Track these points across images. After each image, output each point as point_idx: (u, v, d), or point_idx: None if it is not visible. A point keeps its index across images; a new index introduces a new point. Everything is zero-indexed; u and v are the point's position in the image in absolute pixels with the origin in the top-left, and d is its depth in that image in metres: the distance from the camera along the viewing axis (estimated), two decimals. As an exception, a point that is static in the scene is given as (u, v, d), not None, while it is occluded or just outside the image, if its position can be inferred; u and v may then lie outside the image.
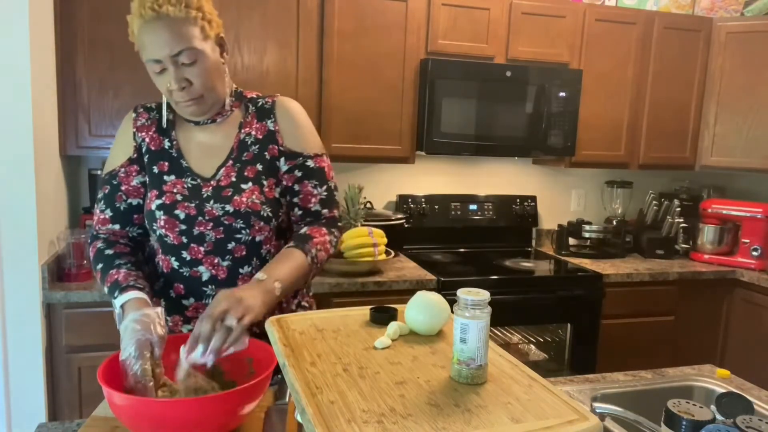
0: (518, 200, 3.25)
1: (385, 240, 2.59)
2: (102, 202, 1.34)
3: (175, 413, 0.96)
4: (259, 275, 1.19)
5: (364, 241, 2.47)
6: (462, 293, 0.84)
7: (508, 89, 2.76)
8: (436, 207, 3.09)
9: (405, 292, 2.44)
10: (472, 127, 2.73)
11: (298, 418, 0.88)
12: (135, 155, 1.34)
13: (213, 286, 1.31)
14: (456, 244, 3.16)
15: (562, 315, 2.74)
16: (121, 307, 1.17)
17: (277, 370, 1.16)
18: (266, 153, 1.34)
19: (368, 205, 2.96)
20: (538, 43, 2.86)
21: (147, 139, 1.34)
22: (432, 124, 2.68)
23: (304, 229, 1.34)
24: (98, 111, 2.35)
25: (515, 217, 3.24)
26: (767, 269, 2.99)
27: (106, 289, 1.24)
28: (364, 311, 1.10)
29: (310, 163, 1.36)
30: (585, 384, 1.47)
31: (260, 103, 1.38)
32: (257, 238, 1.31)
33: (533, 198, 3.28)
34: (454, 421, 0.72)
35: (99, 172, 2.49)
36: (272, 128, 1.35)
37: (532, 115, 2.82)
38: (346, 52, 2.60)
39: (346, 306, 1.15)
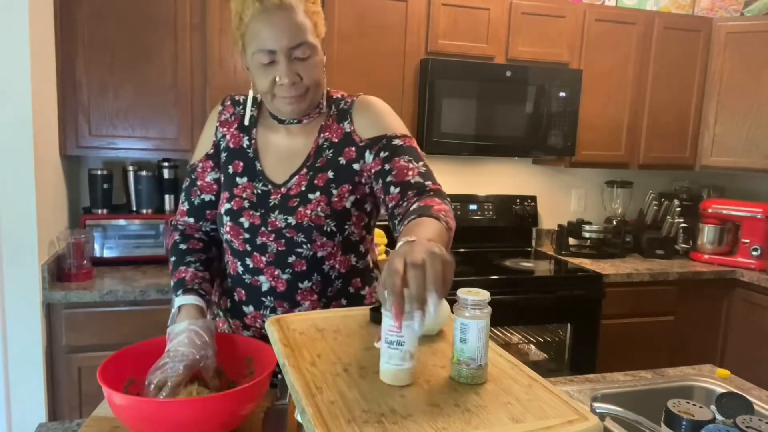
0: (518, 200, 3.25)
1: (385, 240, 2.59)
2: (183, 193, 1.35)
3: (175, 413, 0.96)
4: (407, 237, 0.89)
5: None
6: (462, 293, 0.84)
7: (508, 89, 2.76)
8: (436, 207, 3.09)
9: (405, 292, 2.43)
10: (472, 127, 2.73)
11: (298, 418, 0.88)
12: (212, 151, 1.32)
13: (271, 298, 1.26)
14: (456, 244, 3.16)
15: (562, 315, 2.74)
16: (178, 308, 1.17)
17: (278, 370, 1.16)
18: (341, 157, 1.25)
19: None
20: (538, 43, 2.86)
21: (228, 136, 1.31)
22: (432, 124, 2.68)
23: (415, 205, 1.11)
24: (98, 111, 2.35)
25: (515, 217, 3.24)
26: (767, 269, 2.99)
27: (172, 282, 1.24)
28: (364, 311, 1.10)
29: (398, 141, 1.23)
30: (585, 384, 1.47)
31: (341, 105, 1.31)
32: (319, 254, 1.23)
33: (533, 198, 3.28)
34: (454, 421, 0.72)
35: (99, 172, 2.49)
36: (348, 129, 1.27)
37: (532, 115, 2.82)
38: (346, 53, 2.60)
39: (346, 306, 1.15)
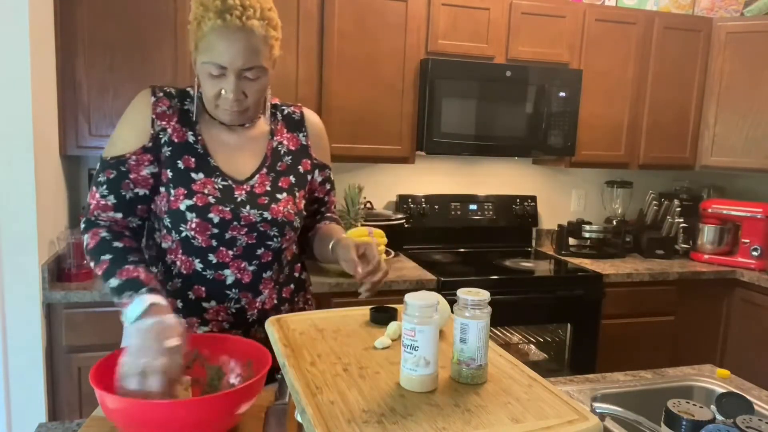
0: (518, 200, 3.25)
1: (385, 240, 2.59)
2: (104, 186, 1.25)
3: (168, 415, 0.95)
4: (342, 236, 1.36)
5: (364, 241, 2.46)
6: (462, 293, 0.84)
7: (508, 89, 2.76)
8: (436, 207, 3.09)
9: (405, 292, 2.42)
10: (472, 127, 2.73)
11: (298, 418, 0.88)
12: (150, 144, 1.26)
13: (236, 290, 1.29)
14: (456, 244, 3.16)
15: (562, 315, 2.74)
16: (150, 305, 1.10)
17: (278, 370, 1.16)
18: (299, 166, 1.37)
19: (368, 205, 2.96)
20: (538, 43, 2.86)
21: (170, 130, 1.27)
22: (432, 124, 2.68)
23: (329, 215, 1.51)
24: (98, 111, 2.35)
25: (515, 217, 3.24)
26: (767, 269, 2.99)
27: (116, 282, 1.15)
28: (364, 311, 1.10)
29: (331, 175, 1.48)
30: (585, 384, 1.47)
31: (286, 112, 1.40)
32: (284, 246, 1.33)
33: (533, 198, 3.28)
34: (454, 421, 0.72)
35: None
36: (305, 143, 1.40)
37: (532, 115, 2.82)
38: (346, 52, 2.60)
39: (346, 306, 1.15)
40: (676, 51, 3.09)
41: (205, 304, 1.30)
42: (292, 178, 1.35)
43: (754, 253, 3.00)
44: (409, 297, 0.83)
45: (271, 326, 1.01)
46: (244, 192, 1.28)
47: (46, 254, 2.17)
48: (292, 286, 1.40)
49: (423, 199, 3.07)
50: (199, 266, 1.28)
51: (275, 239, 1.30)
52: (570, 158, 3.00)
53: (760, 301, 2.90)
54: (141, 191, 1.27)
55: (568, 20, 2.89)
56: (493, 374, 0.87)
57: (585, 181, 3.46)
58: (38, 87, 2.07)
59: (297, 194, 1.35)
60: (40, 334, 2.09)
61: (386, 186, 3.11)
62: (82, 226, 1.28)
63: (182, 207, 1.24)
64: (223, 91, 1.21)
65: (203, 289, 1.29)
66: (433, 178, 3.19)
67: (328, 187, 1.48)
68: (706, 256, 3.13)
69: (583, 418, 0.74)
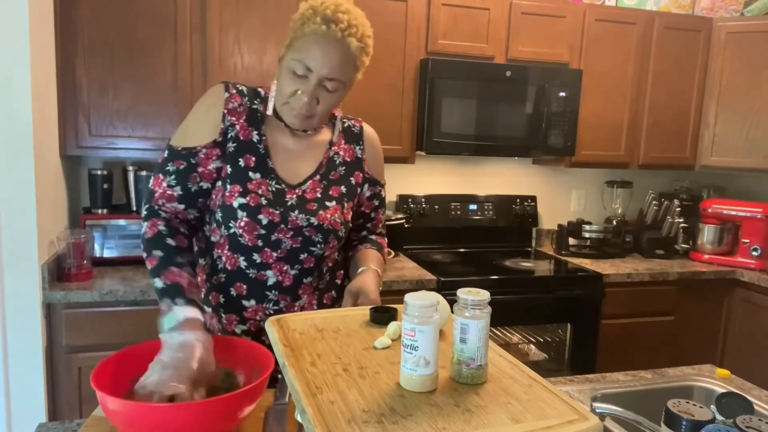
0: (518, 200, 3.25)
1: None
2: (173, 176, 1.26)
3: (168, 418, 0.95)
4: (364, 267, 1.37)
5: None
6: (462, 293, 0.84)
7: (508, 89, 2.76)
8: (436, 207, 3.09)
9: (405, 292, 2.43)
10: (472, 127, 2.73)
11: (298, 418, 0.88)
12: (221, 139, 1.28)
13: (276, 292, 1.32)
14: (456, 244, 3.16)
15: (562, 315, 2.74)
16: (184, 319, 1.13)
17: (278, 370, 1.15)
18: (352, 178, 1.40)
19: (368, 205, 2.96)
20: (538, 43, 2.86)
21: (237, 127, 1.30)
22: (432, 124, 2.68)
23: (373, 237, 1.51)
24: (98, 111, 2.35)
25: (515, 217, 3.24)
26: (767, 269, 2.99)
27: (160, 283, 1.18)
28: (364, 311, 1.10)
29: (383, 192, 1.51)
30: (585, 384, 1.47)
31: (347, 124, 1.44)
32: (326, 253, 1.36)
33: (533, 198, 3.28)
34: (454, 421, 0.72)
35: (99, 172, 2.49)
36: (360, 155, 1.43)
37: (532, 115, 2.82)
38: (346, 52, 2.60)
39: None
40: (676, 51, 3.09)
41: (245, 302, 1.32)
42: (343, 188, 1.37)
43: (754, 253, 3.00)
44: (409, 297, 0.83)
45: (271, 326, 1.01)
46: (295, 196, 1.31)
47: (46, 254, 2.17)
48: (333, 293, 1.43)
49: (423, 199, 3.07)
50: (243, 264, 1.30)
51: (319, 245, 1.32)
52: (570, 158, 3.00)
53: (760, 301, 2.90)
54: (205, 185, 1.29)
55: (568, 20, 2.89)
56: (493, 374, 0.87)
57: (585, 181, 3.46)
58: (38, 87, 2.07)
59: (346, 205, 1.37)
60: (40, 334, 2.09)
61: (386, 186, 3.11)
62: (144, 212, 1.29)
63: (235, 204, 1.26)
64: (299, 92, 1.23)
65: (245, 287, 1.31)
66: (433, 178, 3.19)
67: (376, 203, 1.49)
68: (706, 256, 3.13)
69: (583, 418, 0.74)
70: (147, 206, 1.29)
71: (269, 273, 1.30)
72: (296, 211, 1.29)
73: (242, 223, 1.26)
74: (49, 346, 2.16)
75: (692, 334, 3.00)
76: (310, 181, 1.33)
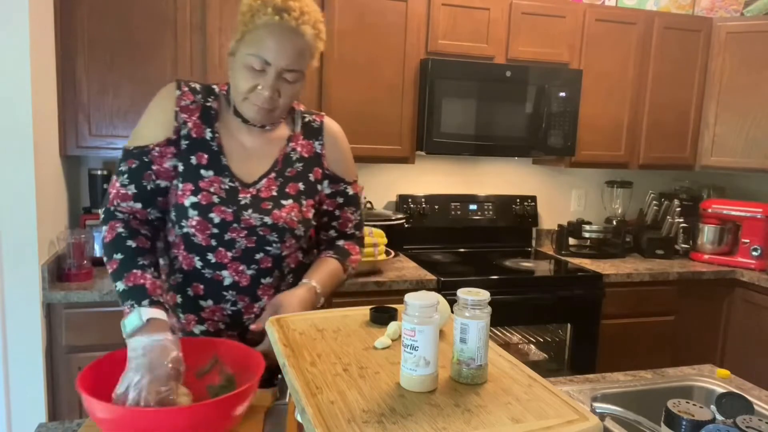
0: (518, 200, 3.25)
1: (385, 240, 2.59)
2: (126, 176, 1.25)
3: (153, 423, 0.94)
4: (304, 279, 1.31)
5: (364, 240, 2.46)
6: (462, 293, 0.84)
7: (508, 89, 2.76)
8: (436, 207, 3.09)
9: (405, 292, 2.43)
10: (472, 127, 2.73)
11: (298, 418, 0.88)
12: (175, 136, 1.27)
13: (234, 292, 1.29)
14: (456, 244, 3.16)
15: (562, 315, 2.74)
16: (147, 320, 1.11)
17: (278, 370, 1.15)
18: (310, 174, 1.35)
19: (368, 205, 2.96)
20: (538, 43, 2.86)
21: (190, 124, 1.28)
22: (432, 124, 2.68)
23: (341, 242, 1.44)
24: (98, 111, 2.34)
25: (515, 217, 3.24)
26: (767, 269, 2.99)
27: (121, 286, 1.17)
28: (364, 311, 1.10)
29: (350, 190, 1.42)
30: (585, 384, 1.47)
31: (307, 119, 1.39)
32: (284, 253, 1.32)
33: (533, 198, 3.28)
34: (454, 421, 0.72)
35: (99, 172, 2.49)
36: (319, 151, 1.38)
37: (532, 115, 2.82)
38: (346, 52, 2.60)
39: (346, 306, 1.15)
40: (676, 51, 3.09)
41: (202, 303, 1.30)
42: (300, 185, 1.33)
43: (754, 253, 3.00)
44: (409, 297, 0.83)
45: (271, 326, 1.01)
46: (249, 195, 1.28)
47: (46, 254, 2.17)
48: None
49: (423, 199, 3.07)
50: (198, 264, 1.28)
51: (275, 245, 1.29)
52: (570, 158, 3.00)
53: (760, 301, 2.90)
54: (163, 183, 1.27)
55: (568, 20, 2.89)
56: (493, 374, 0.87)
57: (585, 181, 3.46)
58: (38, 87, 2.07)
59: (304, 202, 1.33)
60: (40, 334, 2.09)
61: (386, 186, 3.12)
62: (101, 216, 1.28)
63: (186, 203, 1.24)
64: (259, 87, 1.21)
65: (201, 287, 1.30)
66: (433, 178, 3.19)
67: (340, 201, 1.41)
68: (706, 256, 3.13)
69: (583, 418, 0.74)
70: (103, 209, 1.28)
71: (225, 273, 1.28)
72: (250, 210, 1.26)
73: (194, 222, 1.24)
74: (49, 346, 2.16)
75: (692, 334, 3.00)
76: (265, 179, 1.30)
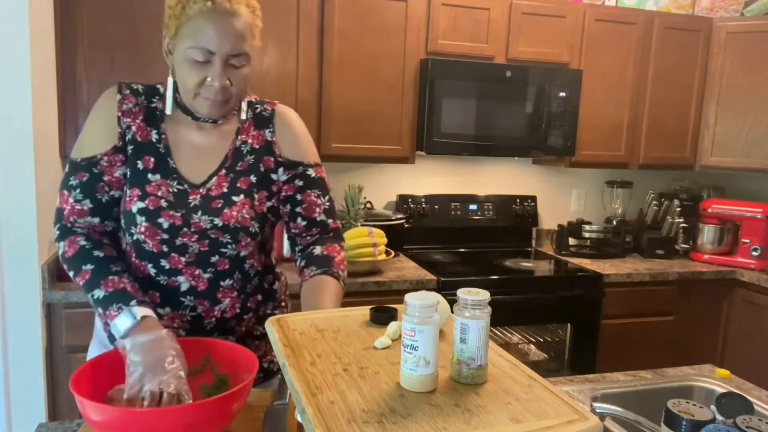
0: (518, 200, 3.25)
1: (385, 240, 2.59)
2: (78, 190, 1.21)
3: (144, 422, 0.94)
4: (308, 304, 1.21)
5: (364, 241, 2.47)
6: (462, 293, 0.84)
7: (508, 89, 2.76)
8: (436, 207, 3.09)
9: (405, 292, 2.43)
10: (472, 127, 2.73)
11: (298, 418, 0.88)
12: (120, 143, 1.21)
13: (192, 297, 1.24)
14: (456, 244, 3.16)
15: (562, 315, 2.74)
16: (142, 317, 1.11)
17: (278, 370, 1.15)
18: (261, 165, 1.28)
19: (368, 205, 2.96)
20: (538, 43, 2.86)
21: (134, 128, 1.22)
22: (432, 124, 2.68)
23: (318, 250, 1.31)
24: (98, 111, 2.34)
25: (515, 217, 3.24)
26: (767, 269, 2.99)
27: (100, 293, 1.15)
28: (364, 311, 1.10)
29: (311, 172, 1.32)
30: (585, 384, 1.47)
31: (258, 110, 1.32)
32: (242, 253, 1.25)
33: (533, 198, 3.28)
34: (454, 421, 0.72)
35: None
36: (270, 139, 1.30)
37: (532, 115, 2.82)
38: (346, 52, 2.60)
39: (346, 306, 1.15)
40: (676, 51, 3.09)
41: (159, 310, 1.23)
42: (252, 178, 1.26)
43: (754, 253, 3.00)
44: (409, 297, 0.83)
45: (271, 326, 1.01)
46: (198, 196, 1.22)
47: (46, 254, 2.17)
48: (259, 296, 1.33)
49: (423, 199, 3.07)
50: (152, 271, 1.23)
51: (229, 246, 1.23)
52: (570, 158, 3.00)
53: (760, 301, 2.90)
54: (116, 193, 1.23)
55: (568, 20, 2.89)
56: (493, 374, 0.87)
57: (585, 181, 3.46)
58: (38, 87, 2.07)
59: (257, 195, 1.26)
60: (40, 334, 2.09)
61: (386, 186, 3.12)
62: (56, 233, 1.24)
63: (134, 209, 1.19)
64: (208, 79, 1.15)
65: (157, 294, 1.24)
66: (433, 178, 3.19)
67: (300, 183, 1.31)
68: (706, 256, 3.13)
69: (583, 418, 0.74)
70: (58, 225, 1.24)
71: (181, 279, 1.22)
72: (199, 213, 1.20)
73: (142, 228, 1.19)
74: (49, 346, 2.15)
75: (692, 334, 3.00)
76: (216, 177, 1.24)
